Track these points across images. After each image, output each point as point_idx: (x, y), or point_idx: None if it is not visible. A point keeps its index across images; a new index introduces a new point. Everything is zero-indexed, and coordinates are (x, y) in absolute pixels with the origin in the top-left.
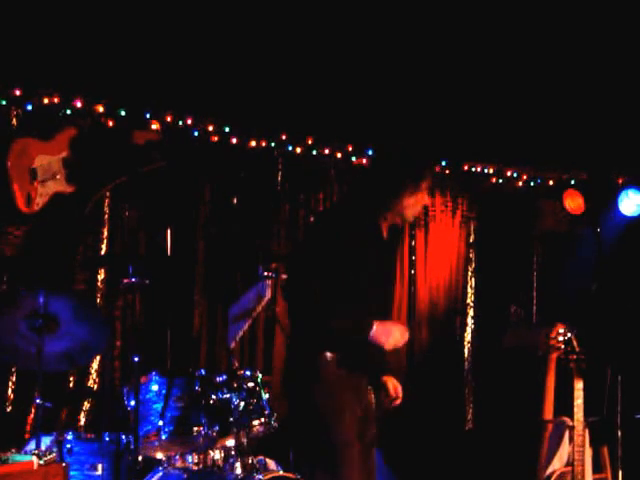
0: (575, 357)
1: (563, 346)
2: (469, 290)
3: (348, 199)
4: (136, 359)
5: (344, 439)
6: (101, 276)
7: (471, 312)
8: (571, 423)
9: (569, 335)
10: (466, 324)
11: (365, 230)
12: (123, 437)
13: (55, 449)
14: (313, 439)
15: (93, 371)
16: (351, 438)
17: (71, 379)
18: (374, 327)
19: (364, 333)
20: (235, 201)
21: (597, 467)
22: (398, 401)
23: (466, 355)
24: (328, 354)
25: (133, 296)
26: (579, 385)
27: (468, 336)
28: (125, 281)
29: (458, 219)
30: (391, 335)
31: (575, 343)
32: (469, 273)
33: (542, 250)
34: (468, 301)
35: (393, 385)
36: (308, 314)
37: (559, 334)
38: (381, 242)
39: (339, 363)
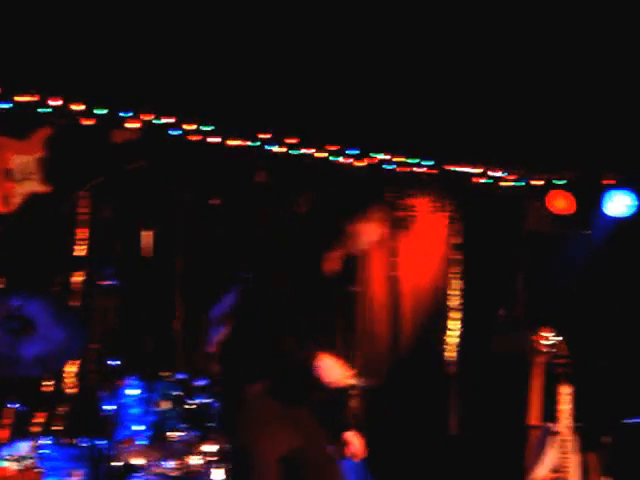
0: (562, 361)
1: (550, 350)
2: (455, 293)
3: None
4: (114, 363)
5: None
6: (78, 278)
7: (457, 315)
8: (557, 429)
9: (556, 339)
10: (450, 327)
11: (313, 254)
12: (100, 442)
13: (31, 454)
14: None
15: (70, 375)
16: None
17: (47, 383)
18: (321, 358)
19: (306, 357)
20: (215, 202)
21: (586, 473)
22: (359, 456)
23: (451, 358)
24: (259, 384)
25: (111, 299)
26: (566, 390)
27: (453, 339)
28: (103, 283)
29: (443, 220)
30: (334, 372)
31: (562, 347)
32: (454, 275)
33: (529, 251)
34: (453, 304)
35: (357, 442)
36: (260, 322)
37: (545, 338)
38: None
39: (269, 393)
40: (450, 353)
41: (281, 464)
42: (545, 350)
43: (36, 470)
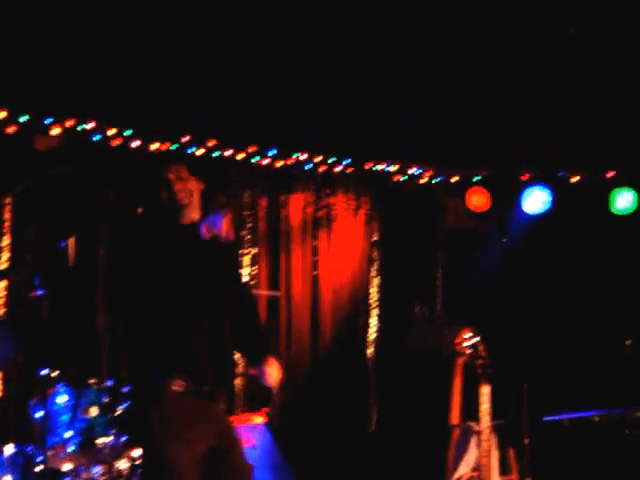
0: (481, 362)
1: (469, 351)
2: (373, 289)
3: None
4: (43, 371)
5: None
6: (3, 286)
7: (375, 312)
8: (477, 428)
9: (475, 340)
10: (369, 324)
11: (166, 230)
12: (29, 449)
13: None
14: (150, 463)
15: None
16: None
17: None
18: (272, 362)
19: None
20: (137, 207)
21: (504, 469)
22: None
23: (370, 355)
24: (173, 383)
25: (38, 308)
26: (485, 390)
27: (372, 336)
28: (31, 293)
29: (361, 218)
30: (278, 375)
31: (481, 348)
32: (373, 272)
33: (446, 248)
34: (372, 301)
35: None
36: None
37: (465, 339)
38: (194, 240)
39: (186, 392)
40: (369, 350)
41: (199, 466)
42: (464, 351)
43: None
